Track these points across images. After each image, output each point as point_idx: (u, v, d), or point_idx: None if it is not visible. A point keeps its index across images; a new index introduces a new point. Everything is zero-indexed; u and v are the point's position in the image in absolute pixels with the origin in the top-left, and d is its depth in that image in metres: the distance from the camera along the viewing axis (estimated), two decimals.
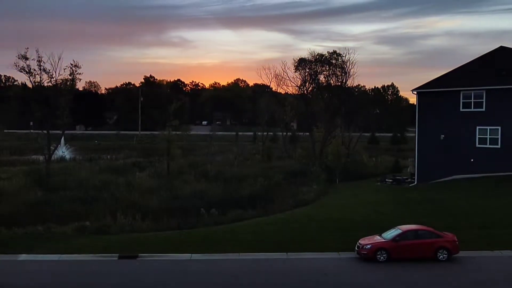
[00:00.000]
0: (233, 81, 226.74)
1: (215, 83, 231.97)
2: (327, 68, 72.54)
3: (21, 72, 51.33)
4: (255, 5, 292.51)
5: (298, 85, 75.03)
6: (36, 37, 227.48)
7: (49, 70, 52.05)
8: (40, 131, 54.92)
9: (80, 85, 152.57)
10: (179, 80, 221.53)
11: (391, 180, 50.28)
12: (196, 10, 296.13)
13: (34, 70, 51.70)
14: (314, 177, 52.25)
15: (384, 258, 23.50)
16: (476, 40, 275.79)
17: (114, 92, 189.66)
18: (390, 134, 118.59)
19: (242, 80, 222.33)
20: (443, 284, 20.90)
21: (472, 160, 44.27)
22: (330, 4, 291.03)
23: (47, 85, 53.54)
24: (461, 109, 44.92)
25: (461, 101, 44.78)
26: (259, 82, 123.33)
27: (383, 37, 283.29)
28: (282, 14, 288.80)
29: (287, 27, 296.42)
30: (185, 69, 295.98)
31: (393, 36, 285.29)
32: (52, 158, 57.73)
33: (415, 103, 49.67)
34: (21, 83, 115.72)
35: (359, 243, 24.58)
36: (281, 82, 78.33)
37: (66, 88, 54.02)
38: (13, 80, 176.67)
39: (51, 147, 54.48)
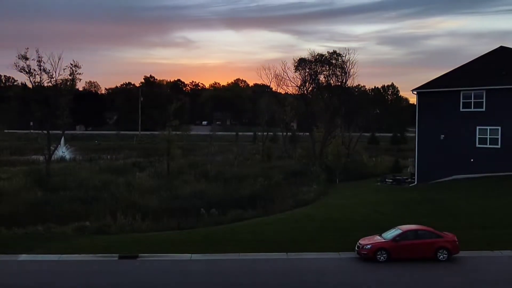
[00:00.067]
0: (233, 81, 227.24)
1: (215, 83, 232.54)
2: (327, 68, 72.65)
3: (21, 72, 51.54)
4: (260, 6, 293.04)
5: (298, 85, 75.28)
6: (36, 37, 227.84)
7: (49, 70, 52.27)
8: (40, 131, 55.00)
9: (80, 85, 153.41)
10: (179, 80, 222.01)
11: (391, 180, 50.24)
12: (201, 11, 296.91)
13: (34, 70, 51.93)
14: (314, 177, 52.28)
15: (384, 258, 23.49)
16: (478, 40, 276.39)
17: (114, 92, 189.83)
18: (390, 134, 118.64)
19: (242, 80, 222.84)
20: (443, 284, 20.90)
21: (472, 160, 44.24)
22: (334, 4, 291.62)
23: (47, 85, 53.72)
24: (461, 109, 44.90)
25: (461, 101, 44.75)
26: (259, 82, 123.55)
27: (385, 38, 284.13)
28: (286, 14, 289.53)
29: (291, 28, 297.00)
30: (186, 70, 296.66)
31: (395, 37, 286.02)
32: (52, 158, 57.79)
33: (415, 103, 49.66)
34: (21, 83, 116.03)
35: (359, 243, 24.57)
36: (281, 82, 78.61)
37: (66, 88, 54.06)
38: (13, 80, 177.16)
39: (51, 147, 54.55)
